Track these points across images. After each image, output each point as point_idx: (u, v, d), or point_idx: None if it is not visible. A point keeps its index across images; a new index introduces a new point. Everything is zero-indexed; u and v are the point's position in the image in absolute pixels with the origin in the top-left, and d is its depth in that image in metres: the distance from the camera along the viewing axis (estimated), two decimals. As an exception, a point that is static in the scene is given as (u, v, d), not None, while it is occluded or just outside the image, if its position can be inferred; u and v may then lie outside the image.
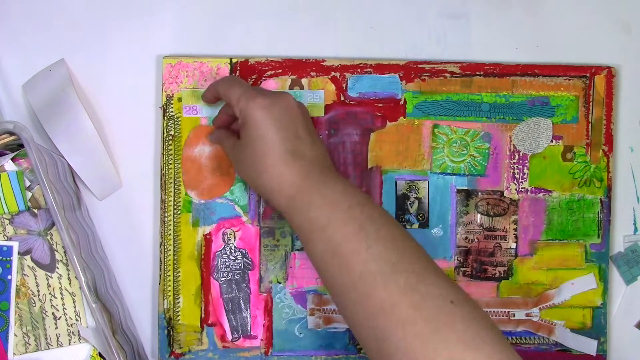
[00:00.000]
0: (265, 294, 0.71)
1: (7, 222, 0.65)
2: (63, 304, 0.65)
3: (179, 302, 0.70)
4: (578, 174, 0.72)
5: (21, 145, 0.65)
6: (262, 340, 0.71)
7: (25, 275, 0.65)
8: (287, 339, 0.71)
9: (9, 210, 0.64)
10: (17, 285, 0.65)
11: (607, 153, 0.72)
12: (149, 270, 0.71)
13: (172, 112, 0.70)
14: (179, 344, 0.70)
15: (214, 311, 0.71)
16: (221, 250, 0.71)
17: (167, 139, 0.70)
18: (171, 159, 0.70)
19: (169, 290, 0.70)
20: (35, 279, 0.65)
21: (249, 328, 0.71)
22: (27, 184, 0.65)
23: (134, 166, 0.71)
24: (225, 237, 0.71)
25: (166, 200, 0.70)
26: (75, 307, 0.65)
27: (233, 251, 0.71)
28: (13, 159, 0.64)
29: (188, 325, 0.70)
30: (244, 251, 0.71)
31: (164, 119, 0.70)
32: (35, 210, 0.65)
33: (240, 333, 0.71)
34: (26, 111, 0.70)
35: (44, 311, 0.65)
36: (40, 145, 0.64)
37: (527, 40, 0.73)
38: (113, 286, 0.69)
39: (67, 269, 0.65)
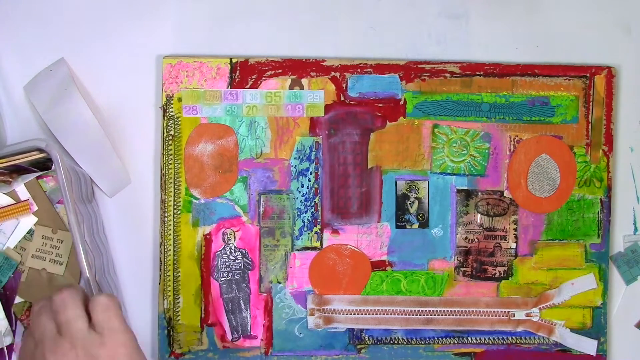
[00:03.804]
0: (265, 294, 0.71)
1: None
2: None
3: (179, 302, 0.70)
4: (578, 174, 0.72)
5: (48, 160, 0.64)
6: (262, 340, 0.71)
7: None
8: (287, 339, 0.71)
9: None
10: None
11: (607, 153, 0.72)
12: (149, 270, 0.71)
13: (172, 112, 0.70)
14: (179, 344, 0.70)
15: (214, 311, 0.70)
16: (221, 250, 0.70)
17: (167, 139, 0.70)
18: (171, 159, 0.70)
19: (169, 290, 0.70)
20: None
21: (249, 328, 0.71)
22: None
23: (134, 166, 0.71)
24: (225, 237, 0.70)
25: (166, 200, 0.70)
26: None
27: (233, 251, 0.71)
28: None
29: (188, 325, 0.70)
30: (244, 251, 0.71)
31: (164, 119, 0.70)
32: None
33: (240, 333, 0.71)
34: (27, 112, 0.70)
35: None
36: (66, 162, 0.63)
37: (527, 40, 0.73)
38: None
39: None
